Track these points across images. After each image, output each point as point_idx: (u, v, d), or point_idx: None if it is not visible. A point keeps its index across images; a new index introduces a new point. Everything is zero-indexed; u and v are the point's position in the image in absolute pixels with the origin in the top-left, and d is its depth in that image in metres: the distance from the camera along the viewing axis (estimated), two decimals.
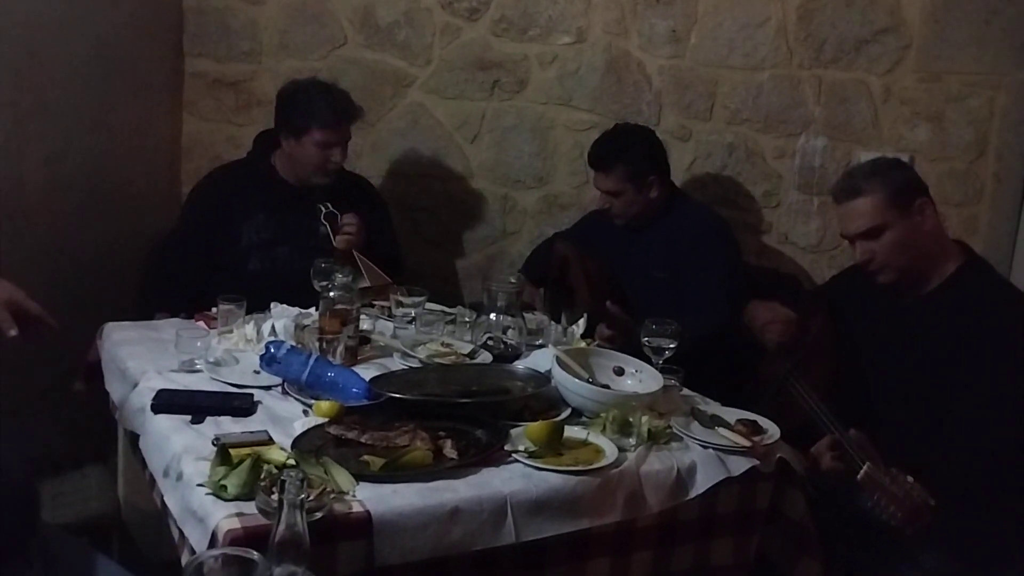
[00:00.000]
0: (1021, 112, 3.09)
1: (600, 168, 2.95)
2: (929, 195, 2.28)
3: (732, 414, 2.14)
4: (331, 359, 2.16)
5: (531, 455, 1.85)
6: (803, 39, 3.22)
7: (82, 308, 2.76)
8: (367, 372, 2.16)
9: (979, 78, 3.11)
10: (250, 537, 1.52)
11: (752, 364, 2.62)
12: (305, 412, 1.98)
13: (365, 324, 2.44)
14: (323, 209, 2.84)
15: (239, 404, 1.98)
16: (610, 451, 1.90)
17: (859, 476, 1.96)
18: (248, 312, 2.40)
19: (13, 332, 1.99)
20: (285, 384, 2.09)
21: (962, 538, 2.11)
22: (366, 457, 1.77)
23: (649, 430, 1.98)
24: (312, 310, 2.40)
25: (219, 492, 1.61)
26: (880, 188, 2.23)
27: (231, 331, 2.33)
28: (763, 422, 2.10)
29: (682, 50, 3.33)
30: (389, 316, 2.61)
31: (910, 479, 1.91)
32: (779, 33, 3.23)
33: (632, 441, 1.95)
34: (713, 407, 2.21)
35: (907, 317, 2.28)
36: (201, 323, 2.44)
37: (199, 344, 2.19)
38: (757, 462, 1.98)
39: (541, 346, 2.45)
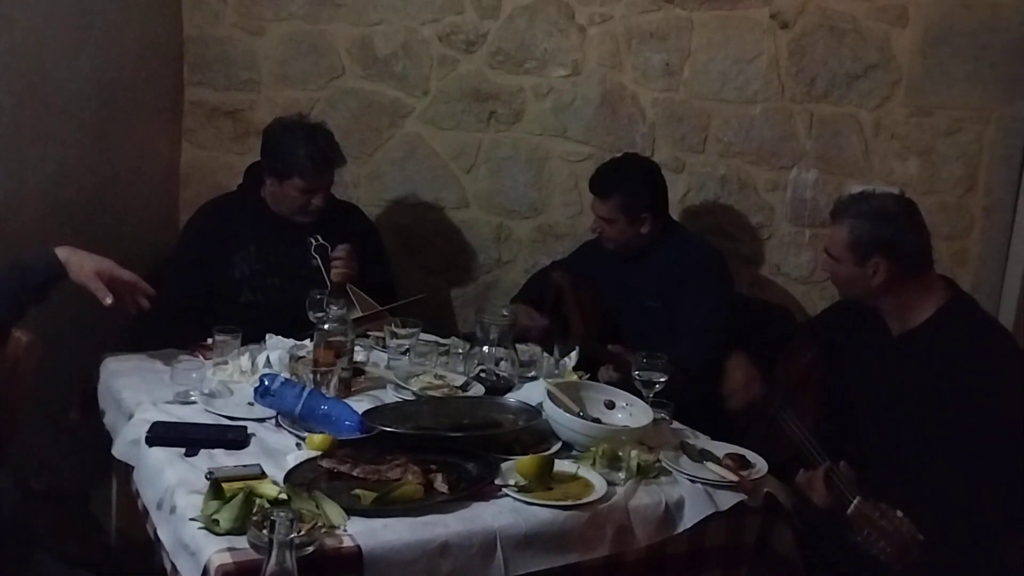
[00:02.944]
0: (1010, 147, 3.13)
1: (598, 194, 2.99)
2: (895, 254, 2.25)
3: (721, 448, 2.16)
4: (325, 391, 2.18)
5: (521, 489, 1.87)
6: (794, 74, 3.27)
7: (78, 335, 2.78)
8: (361, 404, 2.18)
9: (968, 113, 3.15)
10: (241, 572, 1.55)
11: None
12: (298, 445, 2.00)
13: (359, 355, 2.47)
14: (313, 242, 2.86)
15: (233, 437, 1.99)
16: (599, 485, 1.92)
17: (849, 511, 1.97)
18: (243, 343, 2.42)
19: (109, 300, 2.16)
20: (279, 417, 2.11)
21: (949, 573, 2.12)
22: (357, 491, 1.79)
23: (639, 464, 2.00)
24: (307, 341, 2.42)
25: (211, 526, 1.63)
26: (845, 227, 2.30)
27: (226, 362, 2.34)
28: (751, 456, 2.12)
29: (675, 83, 3.37)
30: (383, 347, 2.63)
31: (900, 514, 1.93)
32: (771, 68, 3.28)
33: (622, 475, 1.97)
34: (702, 441, 2.23)
35: (892, 353, 2.31)
36: (197, 354, 2.46)
37: (194, 375, 2.21)
38: (745, 497, 2.00)
39: (533, 378, 2.47)
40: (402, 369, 2.45)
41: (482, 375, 2.44)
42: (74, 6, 2.89)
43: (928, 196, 3.19)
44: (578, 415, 2.16)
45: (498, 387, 2.41)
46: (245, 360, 2.34)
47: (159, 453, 1.93)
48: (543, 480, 1.90)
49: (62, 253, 2.20)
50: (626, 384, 2.35)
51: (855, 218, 2.29)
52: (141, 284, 2.23)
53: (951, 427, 2.12)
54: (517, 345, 2.58)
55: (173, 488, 1.79)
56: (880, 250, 2.25)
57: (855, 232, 2.28)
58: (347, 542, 1.64)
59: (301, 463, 1.89)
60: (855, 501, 1.96)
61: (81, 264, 2.19)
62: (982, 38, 3.10)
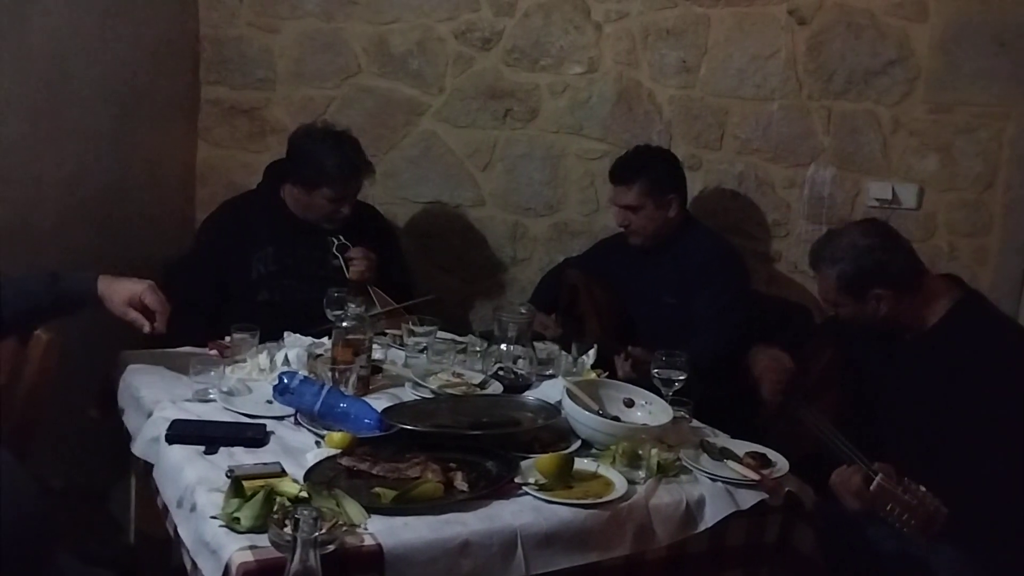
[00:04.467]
0: None
1: (622, 181, 2.98)
2: (889, 279, 2.25)
3: (741, 447, 2.15)
4: (343, 389, 2.17)
5: (541, 488, 1.86)
6: (812, 70, 3.24)
7: (96, 334, 2.79)
8: (379, 402, 2.18)
9: (988, 110, 3.12)
10: (263, 570, 1.54)
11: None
12: (317, 443, 2.00)
13: (377, 353, 2.46)
14: (335, 241, 2.86)
15: (252, 435, 1.99)
16: (620, 484, 1.91)
17: (872, 487, 1.96)
18: (261, 341, 2.42)
19: (147, 329, 2.20)
20: (297, 415, 2.11)
21: (968, 572, 2.11)
22: (377, 489, 1.78)
23: (659, 463, 1.99)
24: (325, 340, 2.42)
25: (232, 524, 1.63)
26: (830, 275, 2.31)
27: (244, 360, 2.35)
28: (772, 455, 2.11)
29: (692, 80, 3.36)
30: (401, 345, 2.63)
31: (922, 488, 1.93)
32: (788, 64, 3.26)
33: (642, 474, 1.96)
34: (722, 439, 2.22)
35: (907, 354, 2.30)
36: (215, 352, 2.46)
37: (212, 373, 2.21)
38: (766, 495, 1.99)
39: (551, 376, 2.47)
40: (420, 367, 2.44)
41: (500, 373, 2.44)
42: (91, 6, 2.90)
43: (947, 193, 3.16)
44: (597, 413, 2.15)
45: (516, 385, 2.41)
46: (263, 358, 2.34)
47: (179, 451, 1.94)
48: (563, 478, 1.90)
49: (101, 285, 2.20)
50: (645, 384, 2.34)
51: (835, 264, 2.30)
52: (159, 313, 2.22)
53: (969, 427, 2.11)
54: (535, 343, 2.57)
55: (193, 486, 1.78)
56: (873, 282, 2.26)
57: (843, 276, 2.29)
58: (368, 540, 1.63)
59: (321, 461, 1.89)
60: (877, 478, 1.94)
61: (112, 297, 2.20)
62: (1002, 34, 3.07)
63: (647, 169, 2.96)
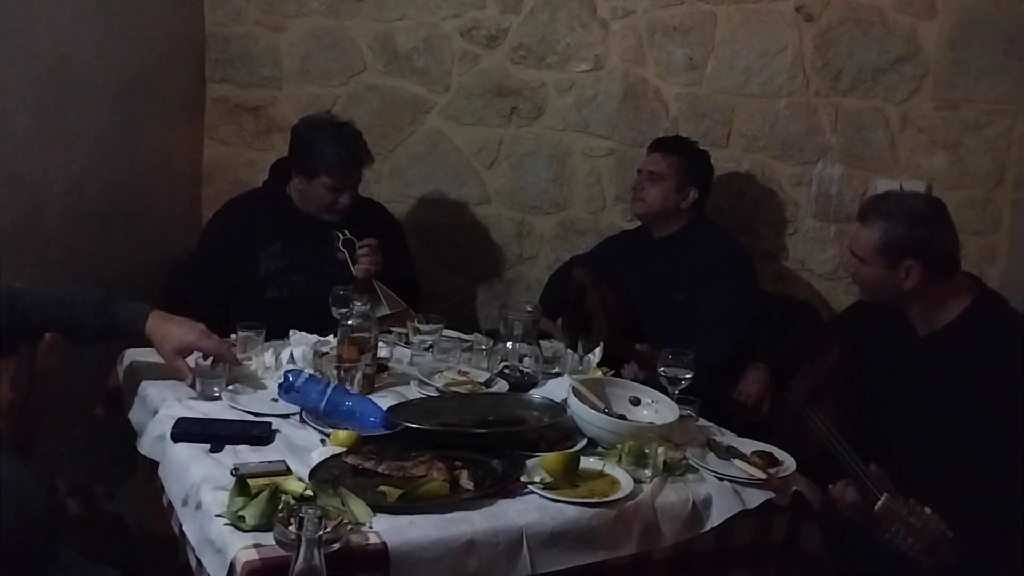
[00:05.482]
0: None
1: (661, 149, 3.04)
2: (928, 257, 2.22)
3: (748, 445, 2.14)
4: (349, 387, 2.17)
5: (547, 486, 1.86)
6: (820, 67, 3.23)
7: None
8: (384, 400, 2.17)
9: (997, 107, 3.10)
10: (268, 568, 1.54)
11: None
12: (323, 441, 1.99)
13: (383, 351, 2.46)
14: (340, 236, 2.86)
15: (257, 433, 1.99)
16: (626, 483, 1.91)
17: (876, 507, 1.94)
18: (267, 339, 2.42)
19: (188, 381, 2.16)
20: (303, 413, 2.11)
21: (978, 572, 2.10)
22: (383, 488, 1.78)
23: (665, 461, 1.98)
24: (330, 337, 2.42)
25: (237, 523, 1.62)
26: (876, 228, 2.26)
27: (250, 358, 2.34)
28: (779, 454, 2.10)
29: (699, 78, 3.35)
30: (406, 343, 2.62)
31: (928, 510, 1.91)
32: (796, 61, 3.24)
33: (648, 472, 1.95)
34: (729, 438, 2.21)
35: (920, 355, 2.28)
36: None
37: (218, 371, 2.20)
38: (773, 495, 1.98)
39: (557, 374, 2.47)
40: (426, 365, 2.44)
41: (506, 371, 2.43)
42: (97, 5, 2.90)
43: (956, 191, 3.15)
44: (603, 412, 2.14)
45: (522, 383, 2.40)
46: (269, 356, 2.34)
47: (184, 449, 1.93)
48: (569, 477, 1.89)
49: (151, 323, 2.16)
50: (652, 384, 2.34)
51: (887, 220, 2.25)
52: (224, 355, 2.19)
53: (981, 427, 2.09)
54: (541, 341, 2.57)
55: (198, 484, 1.78)
56: (914, 253, 2.22)
57: (888, 234, 2.24)
58: (373, 539, 1.63)
59: (326, 459, 1.88)
60: (882, 498, 1.93)
61: (162, 344, 2.17)
62: (1011, 31, 3.05)
63: (689, 151, 3.03)
